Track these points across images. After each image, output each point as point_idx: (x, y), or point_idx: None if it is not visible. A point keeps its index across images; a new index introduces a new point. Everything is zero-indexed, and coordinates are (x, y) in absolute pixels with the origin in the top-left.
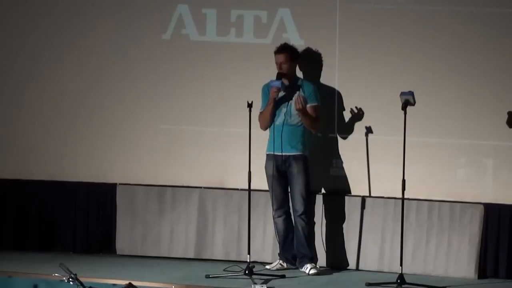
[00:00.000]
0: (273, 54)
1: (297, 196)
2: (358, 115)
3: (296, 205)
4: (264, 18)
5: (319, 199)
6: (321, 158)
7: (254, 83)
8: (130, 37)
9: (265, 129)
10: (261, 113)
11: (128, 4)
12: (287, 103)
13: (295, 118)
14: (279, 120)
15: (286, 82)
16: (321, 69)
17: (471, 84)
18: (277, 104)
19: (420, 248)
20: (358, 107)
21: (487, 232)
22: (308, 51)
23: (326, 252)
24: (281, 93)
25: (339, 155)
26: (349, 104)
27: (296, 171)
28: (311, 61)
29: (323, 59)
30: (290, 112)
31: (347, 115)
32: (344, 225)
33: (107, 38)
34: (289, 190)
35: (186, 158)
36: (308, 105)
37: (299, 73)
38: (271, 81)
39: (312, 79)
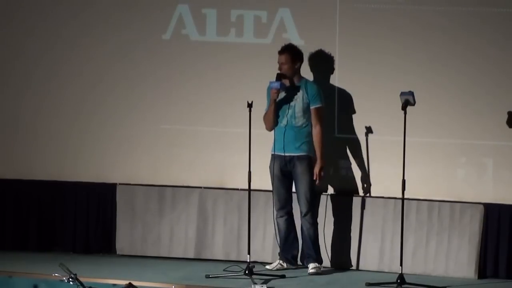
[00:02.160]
0: (273, 54)
1: (301, 196)
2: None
3: (301, 205)
4: (264, 18)
5: (325, 200)
6: (329, 158)
7: (254, 83)
8: (130, 37)
9: (269, 130)
10: (264, 114)
11: (128, 4)
12: (290, 104)
13: (300, 120)
14: (283, 122)
15: (287, 83)
16: (332, 71)
17: (471, 84)
18: (280, 105)
19: (420, 248)
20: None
21: (487, 232)
22: (320, 52)
23: (331, 252)
24: (283, 94)
25: (345, 156)
26: (349, 104)
27: (300, 171)
28: (322, 62)
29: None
30: (294, 114)
31: (356, 118)
32: (346, 225)
33: (107, 38)
34: (293, 190)
35: (186, 158)
36: (312, 107)
37: (308, 74)
38: (271, 82)
39: (322, 80)
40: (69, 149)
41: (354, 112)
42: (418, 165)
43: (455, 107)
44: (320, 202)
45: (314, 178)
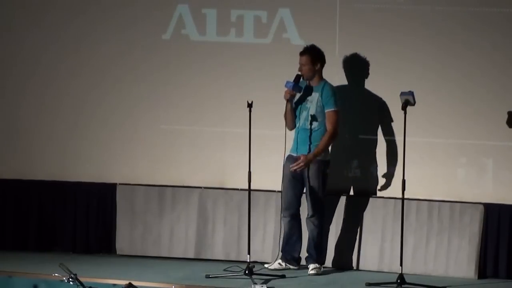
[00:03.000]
0: (273, 54)
1: (309, 198)
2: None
3: (308, 207)
4: (264, 18)
5: (333, 201)
6: (346, 160)
7: (254, 83)
8: (130, 37)
9: (290, 129)
10: (284, 113)
11: (128, 4)
12: (306, 106)
13: (313, 122)
14: (299, 123)
15: (304, 84)
16: (367, 76)
17: (471, 84)
18: (297, 105)
19: (420, 248)
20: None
21: (487, 232)
22: (355, 56)
23: (334, 253)
24: (299, 95)
25: (360, 157)
26: (349, 104)
27: (310, 174)
28: (355, 67)
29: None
30: (308, 116)
31: (356, 118)
32: (345, 225)
33: (107, 38)
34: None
35: (186, 158)
36: (326, 110)
37: (342, 78)
38: (287, 82)
39: (356, 85)
40: (69, 149)
41: (392, 120)
42: (418, 165)
43: (455, 107)
44: (331, 203)
45: (291, 165)
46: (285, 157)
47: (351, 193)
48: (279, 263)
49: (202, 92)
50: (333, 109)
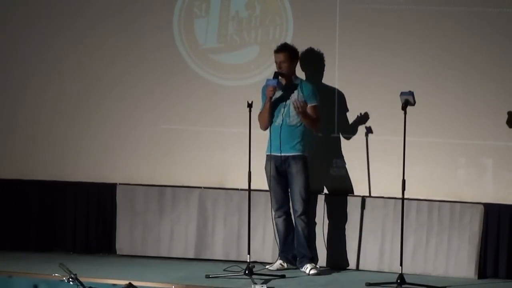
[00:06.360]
0: (273, 54)
1: (296, 196)
2: (363, 117)
3: (296, 205)
4: None
5: (320, 199)
6: (323, 158)
7: (254, 83)
8: (130, 37)
9: (264, 129)
10: (260, 113)
11: (129, 4)
12: (285, 103)
13: (294, 119)
14: (278, 121)
15: (283, 81)
16: (323, 70)
17: (471, 84)
18: (276, 104)
19: (420, 248)
20: (363, 112)
21: (487, 232)
22: (310, 51)
23: (327, 252)
24: (279, 93)
25: (342, 155)
26: (349, 104)
27: (295, 171)
28: (313, 61)
29: (324, 59)
30: (289, 112)
31: (350, 116)
32: (342, 225)
33: (107, 38)
34: (289, 190)
35: (186, 158)
36: (309, 105)
37: (301, 74)
38: (268, 79)
39: (313, 79)
40: (69, 149)
41: (348, 110)
42: (418, 165)
43: (455, 107)
44: (316, 202)
45: (296, 102)
46: (267, 157)
47: (325, 191)
48: (281, 264)
49: (202, 92)
50: (316, 104)
